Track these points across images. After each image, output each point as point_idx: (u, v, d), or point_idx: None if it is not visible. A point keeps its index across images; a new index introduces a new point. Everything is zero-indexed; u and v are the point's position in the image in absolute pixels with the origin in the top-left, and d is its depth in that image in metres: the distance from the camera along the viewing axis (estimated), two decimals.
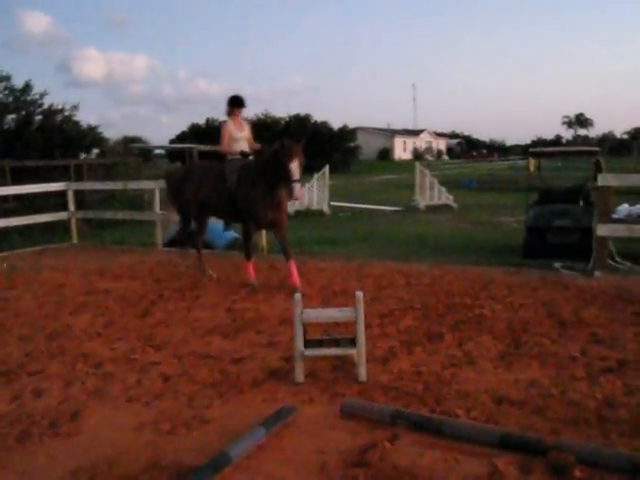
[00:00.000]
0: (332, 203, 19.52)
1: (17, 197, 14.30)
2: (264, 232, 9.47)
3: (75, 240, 12.06)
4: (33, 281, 8.25)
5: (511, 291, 6.62)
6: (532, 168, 10.63)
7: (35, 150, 16.43)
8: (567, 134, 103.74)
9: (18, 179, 14.04)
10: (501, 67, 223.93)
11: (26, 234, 12.94)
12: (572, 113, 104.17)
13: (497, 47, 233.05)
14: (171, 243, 11.31)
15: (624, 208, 13.93)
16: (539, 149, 15.37)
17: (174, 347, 5.10)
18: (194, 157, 19.63)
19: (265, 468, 3.08)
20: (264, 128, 42.90)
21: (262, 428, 3.30)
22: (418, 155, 67.70)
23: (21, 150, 16.24)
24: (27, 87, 17.50)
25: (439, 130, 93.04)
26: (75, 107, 18.68)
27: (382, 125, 79.74)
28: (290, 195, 6.82)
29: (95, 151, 21.03)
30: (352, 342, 4.17)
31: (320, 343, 4.27)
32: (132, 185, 13.33)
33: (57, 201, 13.19)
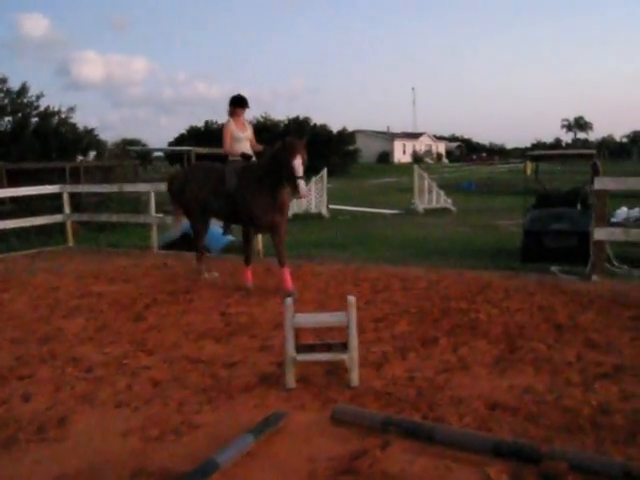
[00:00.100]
0: (331, 206, 19.52)
1: (14, 199, 14.28)
2: (260, 235, 9.39)
3: (71, 243, 12.02)
4: (27, 284, 8.20)
5: (508, 295, 6.56)
6: (529, 171, 10.60)
7: (31, 152, 16.39)
8: (566, 137, 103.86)
9: (14, 181, 14.03)
10: (501, 70, 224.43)
11: (23, 236, 12.92)
12: (571, 116, 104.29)
13: (497, 50, 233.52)
14: (169, 246, 11.28)
15: (623, 212, 13.93)
16: (536, 152, 15.34)
17: (166, 351, 5.05)
18: (192, 159, 19.60)
19: (253, 475, 3.03)
20: (263, 130, 42.89)
21: (251, 435, 3.25)
22: (418, 158, 67.66)
23: (17, 152, 16.19)
24: (23, 89, 17.47)
25: (439, 133, 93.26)
26: (71, 109, 18.73)
27: (381, 128, 79.87)
28: (295, 193, 6.68)
29: (92, 153, 21.00)
30: (345, 347, 4.11)
31: (312, 348, 4.21)
32: (128, 188, 13.30)
33: (53, 204, 13.14)
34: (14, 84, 17.87)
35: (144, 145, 47.24)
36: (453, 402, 3.76)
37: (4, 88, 17.17)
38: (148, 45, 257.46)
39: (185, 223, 8.43)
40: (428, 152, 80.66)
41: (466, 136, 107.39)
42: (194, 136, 49.56)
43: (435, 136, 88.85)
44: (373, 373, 4.32)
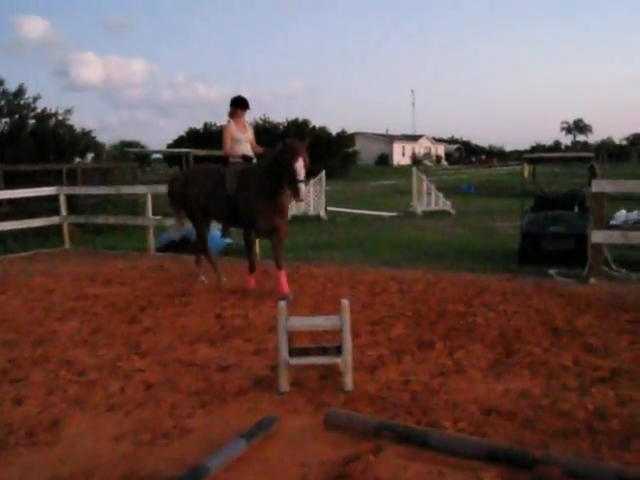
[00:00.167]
0: (330, 208, 19.46)
1: (11, 201, 14.24)
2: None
3: (67, 245, 11.99)
4: (23, 286, 8.18)
5: (505, 298, 6.53)
6: (526, 174, 10.56)
7: (28, 154, 16.36)
8: (566, 140, 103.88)
9: (12, 183, 13.98)
10: (500, 73, 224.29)
11: (20, 238, 12.89)
12: (571, 119, 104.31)
13: (496, 52, 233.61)
14: (166, 247, 11.25)
15: (622, 214, 13.87)
16: (533, 155, 15.32)
17: (160, 354, 5.02)
18: (190, 162, 19.56)
19: None
20: (262, 132, 42.85)
21: (242, 439, 3.21)
22: (417, 161, 67.64)
23: (14, 154, 16.16)
24: (20, 90, 17.44)
25: (438, 136, 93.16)
26: (69, 111, 18.66)
27: (381, 130, 79.84)
28: (295, 196, 6.61)
29: (90, 155, 20.96)
30: (339, 350, 4.08)
31: (306, 351, 4.18)
32: (125, 190, 13.26)
33: (50, 206, 13.11)
34: (12, 85, 17.93)
35: (142, 147, 47.23)
36: (448, 406, 3.72)
37: (1, 90, 17.14)
38: (147, 47, 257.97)
39: (187, 226, 8.33)
40: (427, 154, 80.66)
41: (465, 138, 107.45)
42: (193, 138, 49.49)
43: (434, 138, 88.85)
44: (368, 377, 4.29)
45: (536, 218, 9.71)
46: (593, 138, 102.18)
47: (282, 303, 4.09)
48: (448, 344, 4.99)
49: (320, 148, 43.50)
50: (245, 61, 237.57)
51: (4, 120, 17.32)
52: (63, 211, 12.00)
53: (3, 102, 17.20)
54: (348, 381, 4.01)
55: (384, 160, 69.93)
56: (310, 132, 49.00)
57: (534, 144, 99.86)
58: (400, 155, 74.93)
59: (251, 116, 50.09)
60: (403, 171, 48.14)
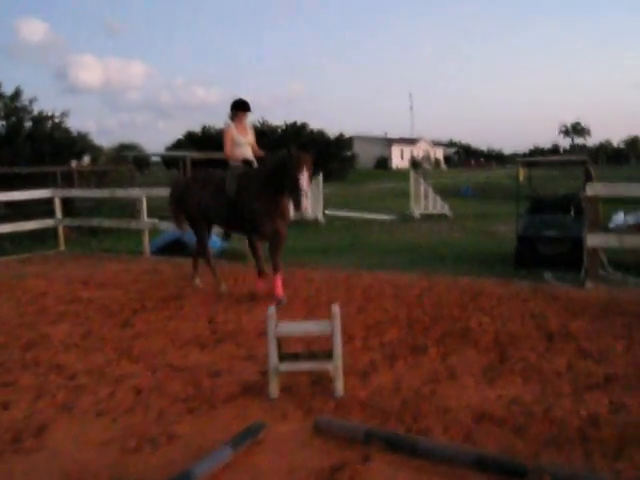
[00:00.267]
0: (327, 212, 19.44)
1: (7, 204, 14.22)
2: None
3: (62, 247, 11.94)
4: (16, 289, 8.13)
5: (500, 302, 6.48)
6: (522, 177, 10.55)
7: (25, 157, 16.32)
8: (564, 143, 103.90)
9: (8, 186, 13.93)
10: (499, 76, 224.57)
11: (16, 241, 12.86)
12: (569, 122, 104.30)
13: (494, 55, 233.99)
14: (161, 250, 11.21)
15: (619, 217, 13.85)
16: (528, 159, 15.32)
17: (150, 359, 4.96)
18: (187, 165, 19.52)
19: None
20: (261, 136, 42.79)
21: (228, 446, 3.16)
22: (416, 164, 67.58)
23: (11, 156, 16.12)
24: (17, 93, 17.40)
25: (437, 139, 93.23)
26: (65, 114, 18.60)
27: (379, 134, 79.81)
28: (297, 208, 6.54)
29: (87, 158, 20.90)
30: (330, 356, 4.03)
31: (296, 357, 4.13)
32: (119, 193, 13.23)
33: (46, 208, 13.07)
34: (8, 88, 17.86)
35: (140, 150, 47.23)
36: (439, 413, 3.67)
37: None
38: (146, 50, 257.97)
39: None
40: (426, 157, 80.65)
41: (464, 141, 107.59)
42: (191, 141, 49.45)
43: (433, 141, 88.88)
44: (359, 382, 4.24)
45: (532, 221, 9.69)
46: (591, 141, 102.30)
47: (271, 309, 4.05)
48: (441, 349, 4.94)
49: (318, 152, 43.44)
50: (244, 64, 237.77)
51: (1, 123, 17.30)
52: (58, 214, 11.95)
53: (0, 104, 17.15)
54: (339, 387, 3.97)
55: (383, 163, 69.87)
56: (308, 135, 49.03)
57: (532, 147, 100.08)
58: (399, 158, 74.90)
59: (249, 119, 50.02)
60: (402, 174, 48.11)
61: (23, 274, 9.20)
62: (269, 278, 7.04)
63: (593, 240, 7.23)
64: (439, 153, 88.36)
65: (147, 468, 3.16)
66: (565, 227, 9.23)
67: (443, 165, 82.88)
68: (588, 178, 8.24)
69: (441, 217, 19.46)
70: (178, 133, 78.50)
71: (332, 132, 52.44)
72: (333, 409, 3.79)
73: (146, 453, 3.35)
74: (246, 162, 7.22)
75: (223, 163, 7.47)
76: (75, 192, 14.27)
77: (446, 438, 3.33)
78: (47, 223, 12.17)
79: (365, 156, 62.43)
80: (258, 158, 7.41)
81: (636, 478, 2.90)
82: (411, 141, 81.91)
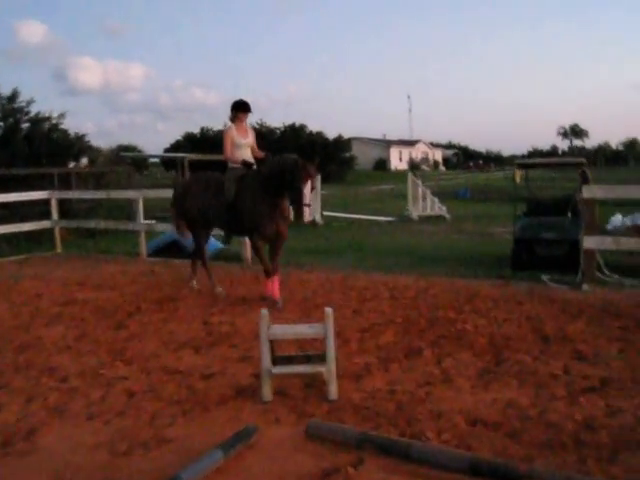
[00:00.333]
0: (325, 213, 19.41)
1: (4, 205, 14.16)
2: (248, 242, 9.20)
3: (59, 249, 11.91)
4: (11, 290, 8.10)
5: (496, 305, 6.45)
6: (518, 179, 10.51)
7: (22, 158, 16.26)
8: (563, 145, 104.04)
9: (5, 187, 13.87)
10: (498, 78, 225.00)
11: (13, 242, 12.81)
12: (567, 124, 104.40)
13: (494, 58, 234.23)
14: (157, 252, 11.17)
15: (617, 219, 13.83)
16: (525, 161, 15.31)
17: (144, 361, 4.93)
18: (185, 167, 19.49)
19: None
20: (259, 137, 42.78)
21: (219, 450, 3.13)
22: (414, 166, 67.54)
23: (8, 158, 16.06)
24: (14, 94, 17.33)
25: (435, 141, 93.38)
26: (62, 115, 18.51)
27: (378, 136, 79.85)
28: (298, 218, 6.61)
29: (84, 160, 20.85)
30: (323, 359, 3.99)
31: (290, 360, 4.09)
32: (115, 195, 13.19)
33: (43, 210, 13.03)
34: (6, 89, 17.81)
35: (139, 151, 47.20)
36: (433, 417, 3.64)
37: None
38: (145, 51, 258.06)
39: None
40: (425, 159, 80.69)
41: (463, 143, 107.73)
42: (190, 142, 49.45)
43: (432, 143, 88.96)
44: (353, 385, 4.20)
45: (529, 223, 9.66)
46: (590, 143, 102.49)
47: (264, 311, 4.01)
48: (436, 352, 4.91)
49: (317, 153, 43.44)
50: (243, 66, 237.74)
51: None
52: (55, 215, 11.93)
53: None
54: (332, 390, 3.93)
55: (381, 165, 69.89)
56: (307, 137, 49.02)
57: (531, 149, 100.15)
58: (397, 160, 74.95)
59: (249, 121, 50.02)
60: (400, 176, 48.04)
61: (19, 276, 9.17)
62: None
63: (590, 242, 7.21)
64: (438, 155, 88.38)
65: (137, 471, 3.13)
66: (562, 229, 9.20)
67: (442, 167, 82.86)
68: (585, 180, 8.22)
69: (439, 219, 19.43)
70: (177, 135, 78.44)
71: (331, 134, 52.57)
72: (326, 412, 3.75)
73: (137, 456, 3.32)
74: (246, 164, 7.16)
75: (222, 165, 7.42)
76: (72, 194, 14.24)
77: (440, 442, 3.30)
78: (44, 225, 12.14)
79: (364, 158, 62.43)
80: (258, 159, 7.36)
81: None
82: (410, 143, 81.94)
